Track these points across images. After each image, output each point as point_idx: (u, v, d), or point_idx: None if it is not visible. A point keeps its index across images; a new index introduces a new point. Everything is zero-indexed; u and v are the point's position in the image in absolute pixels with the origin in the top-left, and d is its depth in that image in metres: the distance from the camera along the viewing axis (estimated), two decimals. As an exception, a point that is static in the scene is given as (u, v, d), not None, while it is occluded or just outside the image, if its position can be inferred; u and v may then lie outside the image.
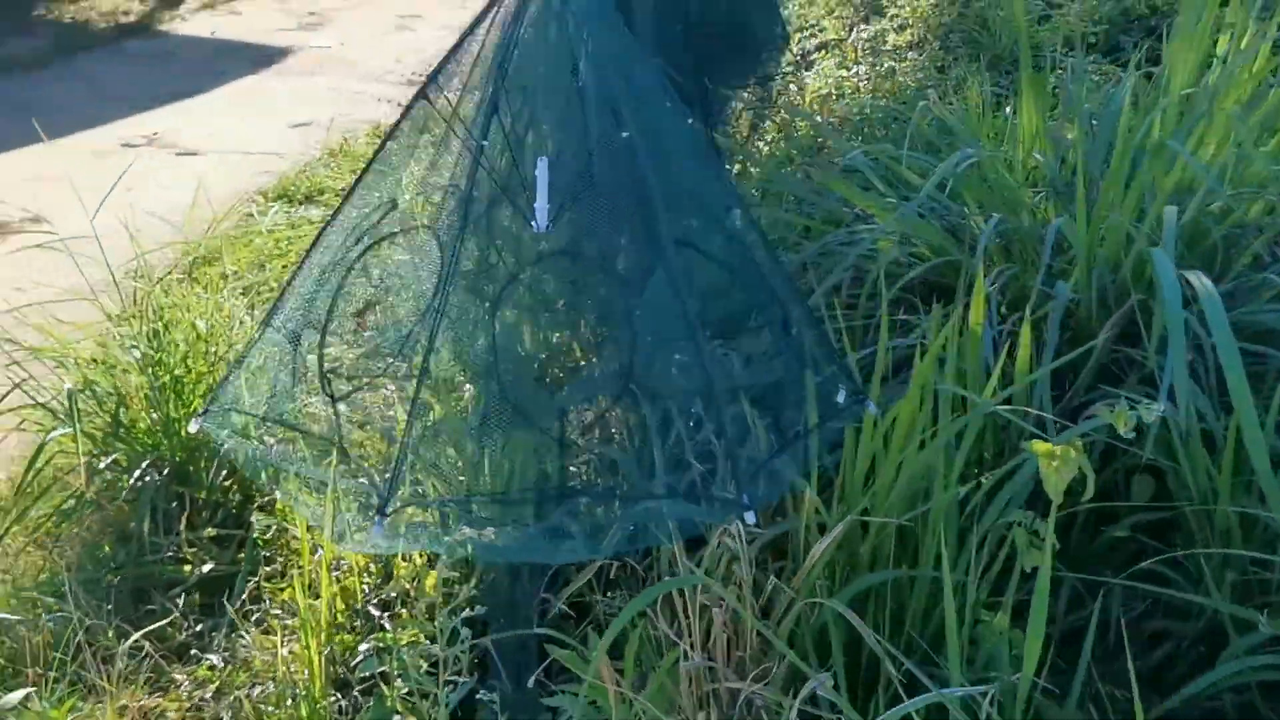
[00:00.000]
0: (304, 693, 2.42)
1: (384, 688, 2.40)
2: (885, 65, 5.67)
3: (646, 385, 1.84)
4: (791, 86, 6.02)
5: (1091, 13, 5.07)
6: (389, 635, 2.47)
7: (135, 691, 2.60)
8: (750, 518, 1.68)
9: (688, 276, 1.78)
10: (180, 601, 2.93)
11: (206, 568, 3.07)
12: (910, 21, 6.16)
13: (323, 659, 2.45)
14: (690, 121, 1.81)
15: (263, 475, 2.05)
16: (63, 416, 3.09)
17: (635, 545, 1.95)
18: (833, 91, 5.72)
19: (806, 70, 6.29)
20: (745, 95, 3.69)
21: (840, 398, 1.94)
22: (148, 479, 3.17)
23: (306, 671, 2.44)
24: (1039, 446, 2.10)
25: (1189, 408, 2.24)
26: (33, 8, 10.34)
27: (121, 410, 3.22)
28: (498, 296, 1.84)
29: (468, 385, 1.99)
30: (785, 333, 1.97)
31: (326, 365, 1.98)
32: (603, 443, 1.97)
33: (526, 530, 1.93)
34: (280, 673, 2.51)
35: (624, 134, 1.71)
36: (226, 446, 2.03)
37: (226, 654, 2.71)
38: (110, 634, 2.73)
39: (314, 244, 1.97)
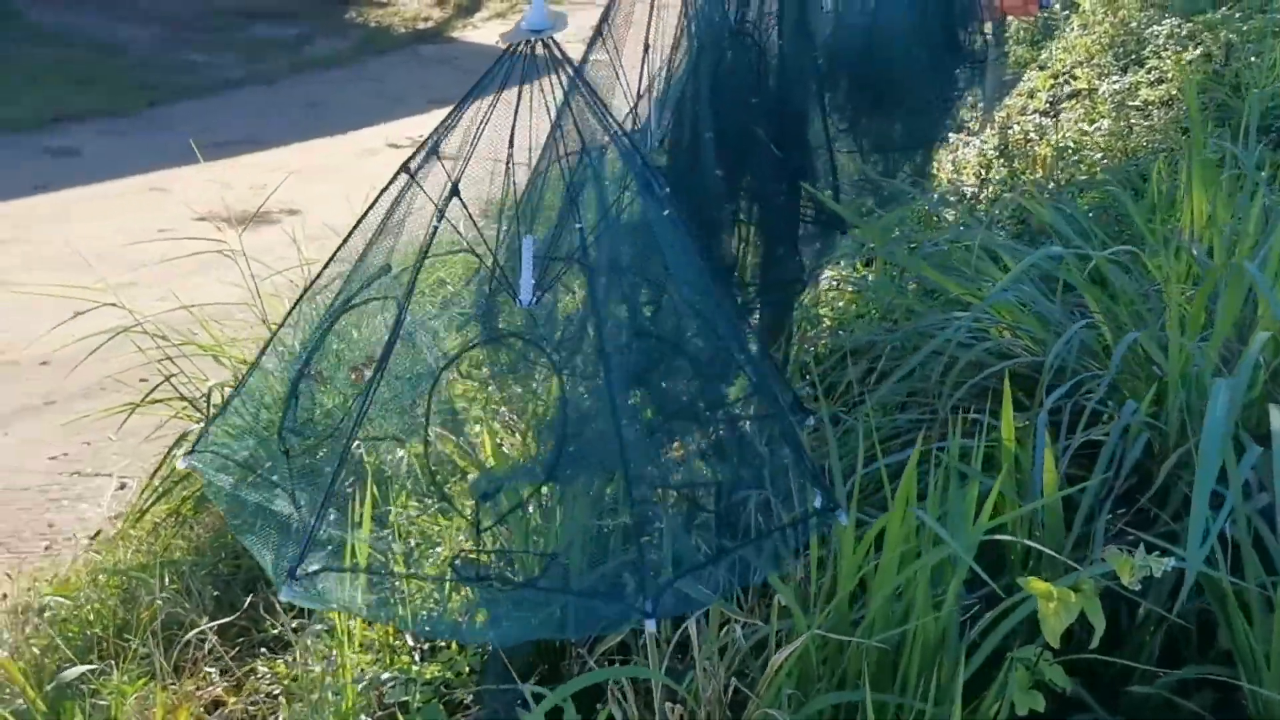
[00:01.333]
0: (333, 709, 2.54)
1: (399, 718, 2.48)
2: (1125, 123, 5.31)
3: (574, 477, 1.83)
4: (1033, 136, 5.77)
5: (1356, 82, 4.57)
6: (415, 668, 2.55)
7: (202, 680, 2.79)
8: (651, 626, 1.64)
9: (637, 370, 1.76)
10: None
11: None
12: (1170, 75, 5.75)
13: (352, 679, 2.55)
14: (667, 213, 1.78)
15: (236, 518, 2.15)
16: (203, 410, 3.34)
17: (563, 634, 1.94)
18: (1070, 145, 5.43)
19: (1053, 119, 6.00)
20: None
21: (817, 501, 1.86)
22: (276, 475, 3.38)
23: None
24: (1036, 585, 1.94)
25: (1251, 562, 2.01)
26: (345, 11, 11.19)
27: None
28: (440, 370, 1.88)
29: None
30: (751, 431, 1.90)
31: (316, 413, 2.07)
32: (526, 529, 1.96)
33: (468, 604, 1.96)
34: (322, 685, 2.63)
35: (577, 225, 1.71)
36: (212, 486, 2.14)
37: (289, 658, 2.86)
38: (204, 620, 2.94)
39: (301, 296, 2.06)
